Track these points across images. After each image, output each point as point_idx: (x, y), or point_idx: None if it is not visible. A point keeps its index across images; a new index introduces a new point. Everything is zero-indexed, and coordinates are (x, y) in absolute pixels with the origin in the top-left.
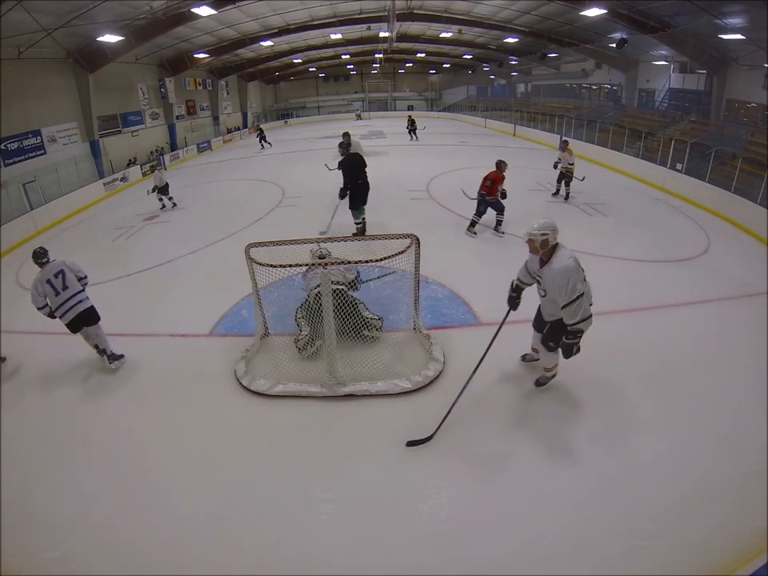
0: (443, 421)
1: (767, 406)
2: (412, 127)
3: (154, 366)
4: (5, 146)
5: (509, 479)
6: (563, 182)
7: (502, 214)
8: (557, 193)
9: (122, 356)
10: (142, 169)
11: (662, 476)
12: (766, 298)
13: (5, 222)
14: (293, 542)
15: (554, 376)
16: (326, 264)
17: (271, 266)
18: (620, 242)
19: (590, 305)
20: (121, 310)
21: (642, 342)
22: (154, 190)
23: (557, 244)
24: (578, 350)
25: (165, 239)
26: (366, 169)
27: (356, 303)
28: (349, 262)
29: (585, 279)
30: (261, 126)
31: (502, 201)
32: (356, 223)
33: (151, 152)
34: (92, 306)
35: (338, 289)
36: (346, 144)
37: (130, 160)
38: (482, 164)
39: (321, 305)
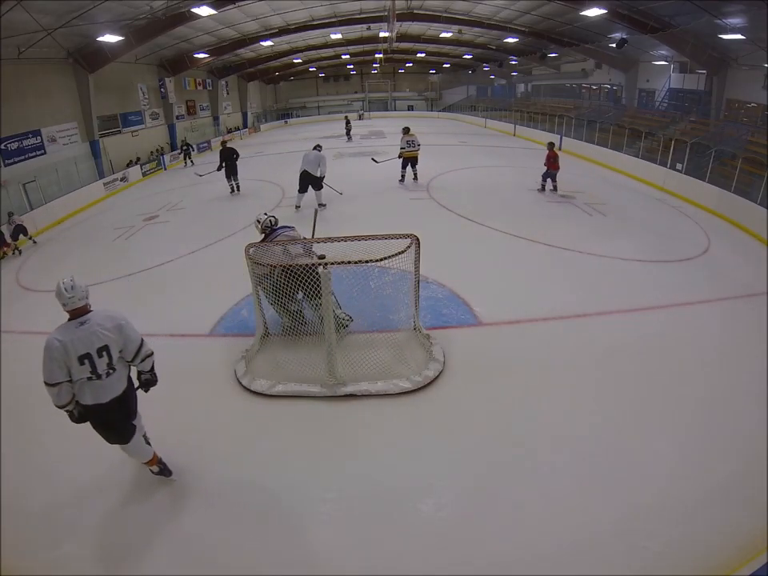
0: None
1: (767, 405)
2: (347, 128)
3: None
4: (5, 145)
5: (509, 480)
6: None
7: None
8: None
9: None
10: (142, 169)
11: (662, 476)
12: (766, 298)
13: (5, 222)
14: (293, 541)
15: (160, 470)
16: (326, 264)
17: (271, 265)
18: (620, 241)
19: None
20: (121, 309)
21: (642, 342)
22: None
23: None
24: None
25: (165, 239)
26: (238, 157)
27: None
28: (349, 263)
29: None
30: (187, 141)
31: None
32: (229, 185)
33: (151, 152)
34: None
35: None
36: (223, 143)
37: (131, 160)
38: (482, 164)
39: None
